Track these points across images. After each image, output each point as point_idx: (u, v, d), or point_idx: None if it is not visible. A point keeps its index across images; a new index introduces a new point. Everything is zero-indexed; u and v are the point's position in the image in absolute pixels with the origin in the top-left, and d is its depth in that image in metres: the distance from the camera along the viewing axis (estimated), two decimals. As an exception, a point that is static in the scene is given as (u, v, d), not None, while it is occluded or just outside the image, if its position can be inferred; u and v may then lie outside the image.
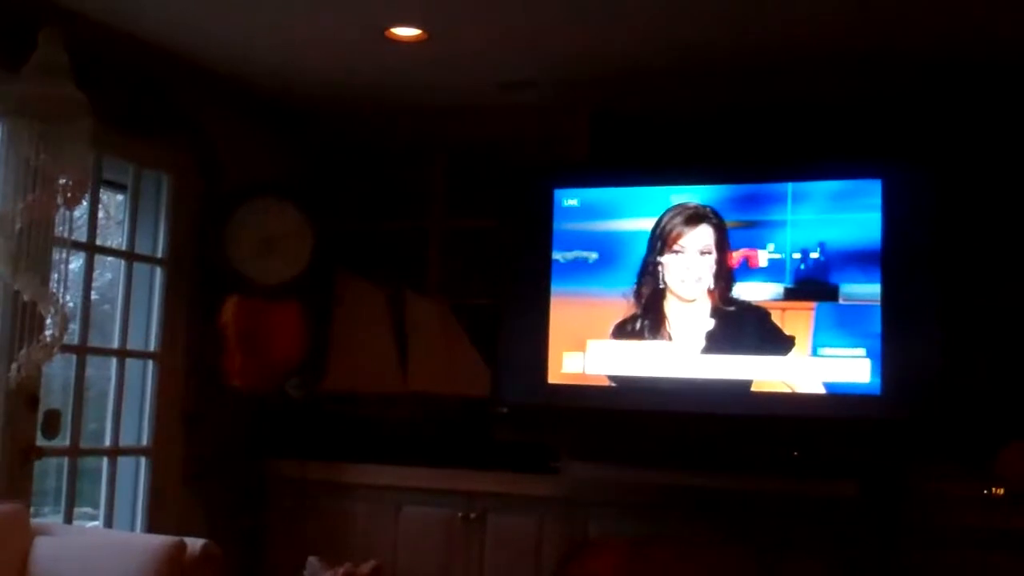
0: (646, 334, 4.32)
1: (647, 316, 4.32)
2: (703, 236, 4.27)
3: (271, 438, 4.99)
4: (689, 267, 4.27)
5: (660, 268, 4.31)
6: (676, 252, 4.30)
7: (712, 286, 4.24)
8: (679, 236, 4.30)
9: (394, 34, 4.11)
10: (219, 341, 4.59)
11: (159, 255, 4.59)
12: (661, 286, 4.30)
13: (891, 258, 4.01)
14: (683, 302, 4.29)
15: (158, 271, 4.59)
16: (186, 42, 4.30)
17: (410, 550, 4.68)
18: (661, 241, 4.32)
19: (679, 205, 4.32)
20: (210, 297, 4.65)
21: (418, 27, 4.05)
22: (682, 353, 4.27)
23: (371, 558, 4.58)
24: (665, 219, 4.32)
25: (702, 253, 4.27)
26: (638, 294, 4.34)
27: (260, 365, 4.60)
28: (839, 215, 4.10)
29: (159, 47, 4.31)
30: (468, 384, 4.78)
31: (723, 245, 4.24)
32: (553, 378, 4.44)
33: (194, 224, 4.69)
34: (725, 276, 4.23)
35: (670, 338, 4.29)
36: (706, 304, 4.25)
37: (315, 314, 4.88)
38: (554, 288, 4.46)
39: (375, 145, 5.36)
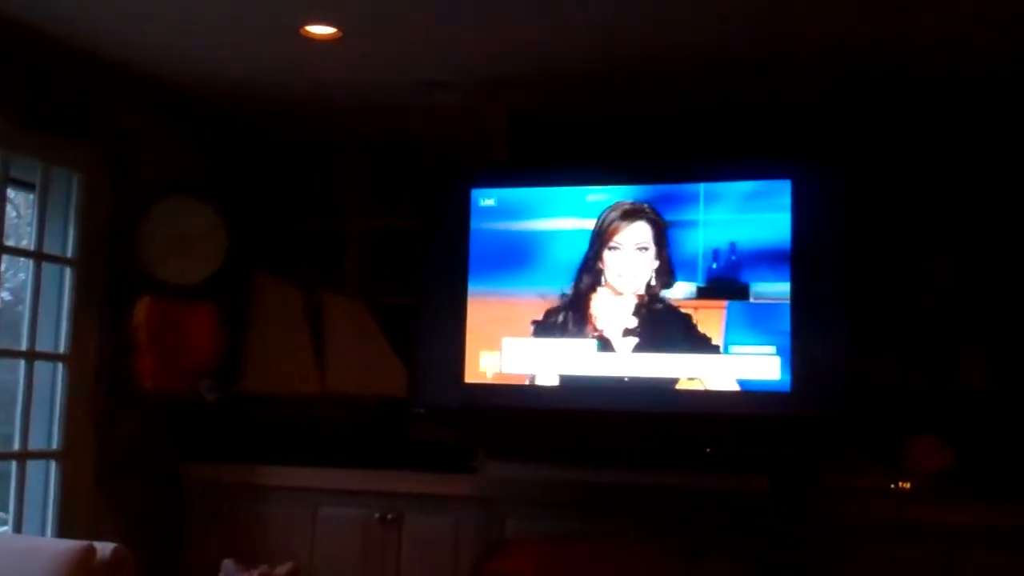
0: (569, 331, 4.33)
1: (572, 313, 4.34)
2: (640, 232, 4.30)
3: (186, 441, 4.94)
4: (626, 263, 4.30)
5: (599, 265, 4.33)
6: (613, 248, 4.31)
7: (652, 282, 4.25)
8: (615, 231, 4.32)
9: (309, 32, 4.08)
10: (131, 343, 4.53)
11: (69, 255, 4.51)
12: (597, 282, 4.32)
13: (801, 257, 4.08)
14: (615, 297, 4.30)
15: (68, 272, 4.50)
16: (97, 37, 4.22)
17: (327, 551, 4.66)
18: (600, 239, 4.34)
19: (618, 203, 4.33)
20: (122, 298, 4.58)
21: (333, 25, 4.03)
22: (602, 351, 4.29)
23: (288, 560, 4.55)
24: (604, 216, 4.34)
25: (639, 248, 4.29)
26: (575, 289, 4.34)
27: (173, 367, 4.55)
28: (750, 215, 4.16)
29: (68, 43, 4.24)
30: (385, 385, 4.77)
31: (661, 241, 4.27)
32: (471, 377, 4.44)
33: (106, 223, 4.60)
34: (665, 273, 4.25)
35: (593, 335, 4.30)
36: (634, 301, 4.27)
37: (230, 315, 4.83)
38: (471, 288, 4.46)
39: (292, 143, 5.33)
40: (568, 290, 4.35)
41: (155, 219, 4.64)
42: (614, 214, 4.32)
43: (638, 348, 4.25)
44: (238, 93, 4.85)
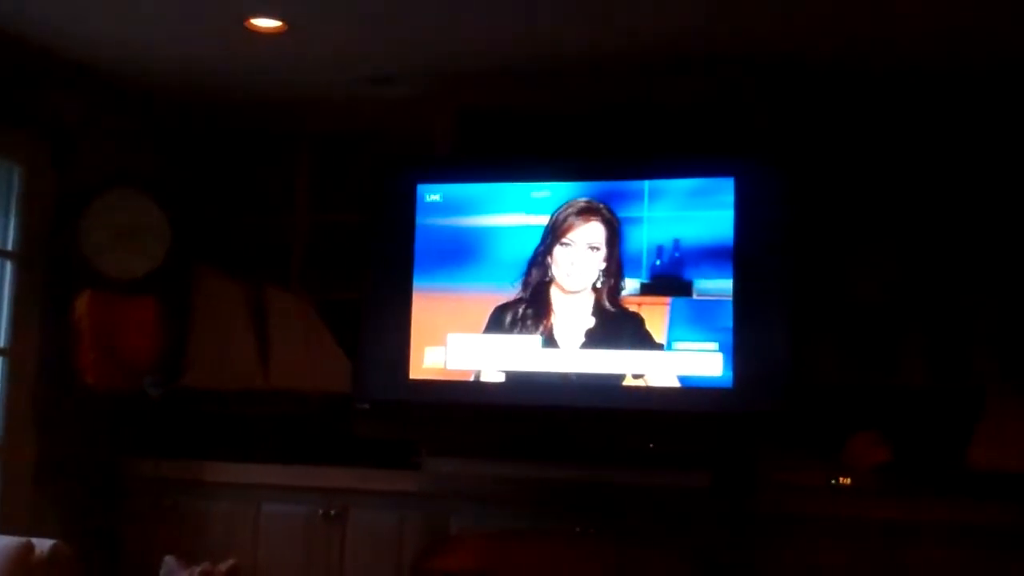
0: (518, 327, 4.33)
1: (521, 309, 4.33)
2: (593, 231, 4.29)
3: (127, 437, 4.88)
4: (575, 261, 4.30)
5: (549, 260, 4.32)
6: (565, 245, 4.31)
7: (600, 283, 4.25)
8: (570, 228, 4.31)
9: (254, 25, 4.06)
10: (72, 337, 4.48)
11: (10, 248, 4.45)
12: (546, 279, 4.32)
13: (743, 254, 4.10)
14: (563, 295, 4.30)
15: (9, 265, 4.45)
16: (38, 27, 4.18)
17: (270, 548, 4.63)
18: (552, 234, 4.34)
19: (574, 200, 4.32)
20: (64, 292, 4.53)
21: (278, 18, 4.02)
22: (548, 347, 4.30)
23: (230, 557, 4.52)
24: (559, 212, 4.33)
25: (590, 248, 4.29)
26: (524, 285, 4.34)
27: (115, 362, 4.51)
28: (694, 212, 4.18)
29: (8, 33, 4.19)
30: (330, 380, 4.75)
31: (614, 241, 4.27)
32: (415, 373, 4.43)
33: (47, 216, 4.55)
34: (615, 274, 4.26)
35: (541, 332, 4.30)
36: (582, 299, 4.28)
37: (173, 310, 4.80)
38: (416, 283, 4.45)
39: (237, 137, 5.29)
40: (516, 286, 4.35)
41: (97, 212, 4.60)
42: (570, 211, 4.32)
43: (585, 345, 4.26)
44: (182, 85, 4.82)
